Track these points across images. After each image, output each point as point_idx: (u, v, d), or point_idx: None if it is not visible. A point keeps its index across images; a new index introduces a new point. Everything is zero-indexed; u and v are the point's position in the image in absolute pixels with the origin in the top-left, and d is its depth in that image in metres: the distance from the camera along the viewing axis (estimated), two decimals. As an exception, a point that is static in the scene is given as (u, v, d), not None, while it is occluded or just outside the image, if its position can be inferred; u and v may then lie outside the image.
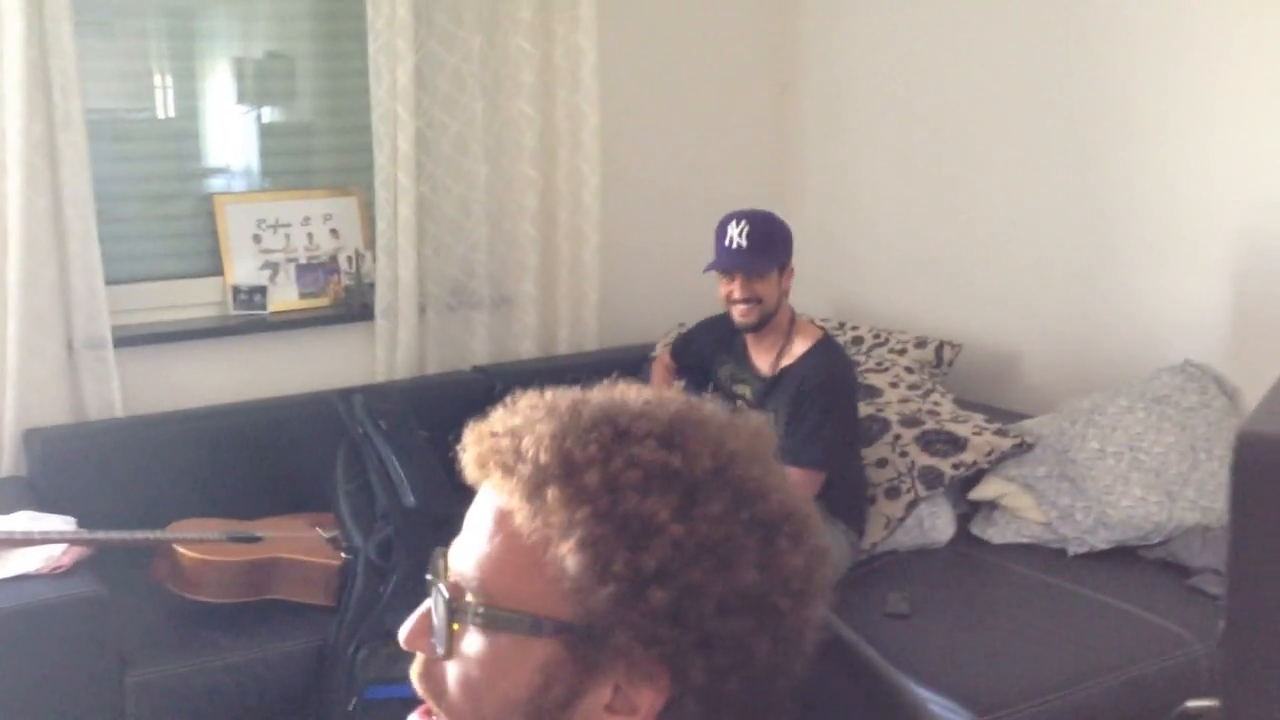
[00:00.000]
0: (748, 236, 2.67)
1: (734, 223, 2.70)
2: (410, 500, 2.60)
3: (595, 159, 3.39)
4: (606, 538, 0.71)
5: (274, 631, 2.50)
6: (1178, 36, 2.86)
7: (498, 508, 0.76)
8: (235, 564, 2.53)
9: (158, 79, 3.21)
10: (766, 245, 2.69)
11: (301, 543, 2.65)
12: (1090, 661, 2.35)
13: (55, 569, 2.32)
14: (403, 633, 0.79)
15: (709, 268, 2.74)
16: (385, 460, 2.68)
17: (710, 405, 0.80)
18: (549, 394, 0.80)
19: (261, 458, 2.95)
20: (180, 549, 2.49)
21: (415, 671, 0.80)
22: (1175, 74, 2.88)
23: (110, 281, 2.92)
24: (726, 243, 2.69)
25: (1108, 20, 2.99)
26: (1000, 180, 3.30)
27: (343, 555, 2.61)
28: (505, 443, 0.76)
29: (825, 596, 0.77)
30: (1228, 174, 2.81)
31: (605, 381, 0.82)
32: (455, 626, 0.75)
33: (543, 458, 0.73)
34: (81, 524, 2.54)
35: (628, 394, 0.79)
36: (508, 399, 0.81)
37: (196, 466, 2.89)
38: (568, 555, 0.72)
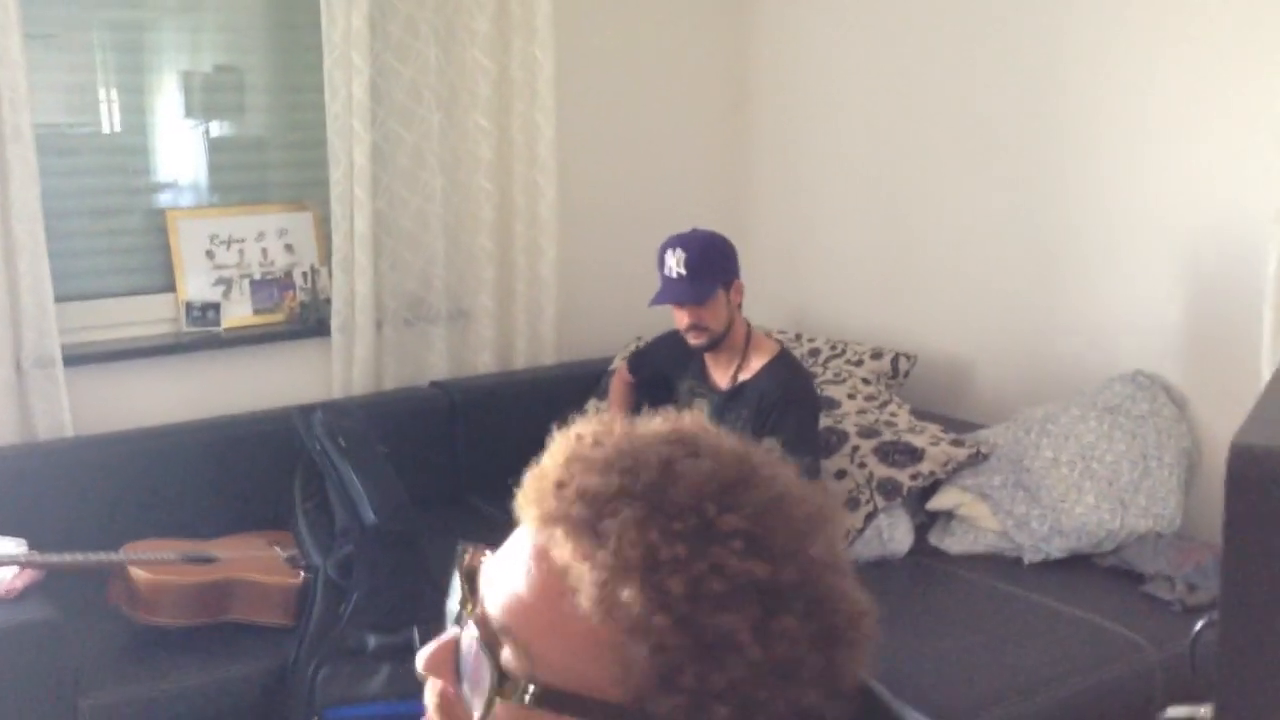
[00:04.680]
0: (686, 265, 2.67)
1: (671, 251, 2.70)
2: (370, 517, 2.57)
3: (551, 172, 3.39)
4: (680, 649, 0.67)
5: (232, 653, 2.46)
6: (1121, 52, 2.92)
7: (554, 569, 0.70)
8: (191, 585, 2.49)
9: (104, 93, 3.17)
10: (706, 269, 2.69)
11: (259, 562, 2.62)
12: (1048, 669, 2.38)
13: (6, 593, 2.28)
14: (421, 659, 0.74)
15: (653, 301, 2.74)
16: (344, 477, 2.65)
17: (789, 476, 0.74)
18: (622, 435, 0.73)
19: (217, 476, 2.91)
20: (135, 571, 2.45)
21: (431, 701, 0.74)
22: (1118, 89, 2.94)
23: (60, 299, 2.87)
24: (666, 272, 2.70)
25: (1056, 39, 3.05)
26: (953, 194, 3.34)
27: (301, 574, 2.58)
28: (579, 512, 0.69)
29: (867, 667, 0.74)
30: (1169, 188, 2.87)
31: (670, 411, 0.77)
32: (501, 699, 0.69)
33: (626, 550, 0.67)
34: (33, 546, 2.49)
35: (707, 467, 0.71)
36: (567, 424, 0.75)
37: (150, 486, 2.85)
38: (637, 658, 0.67)
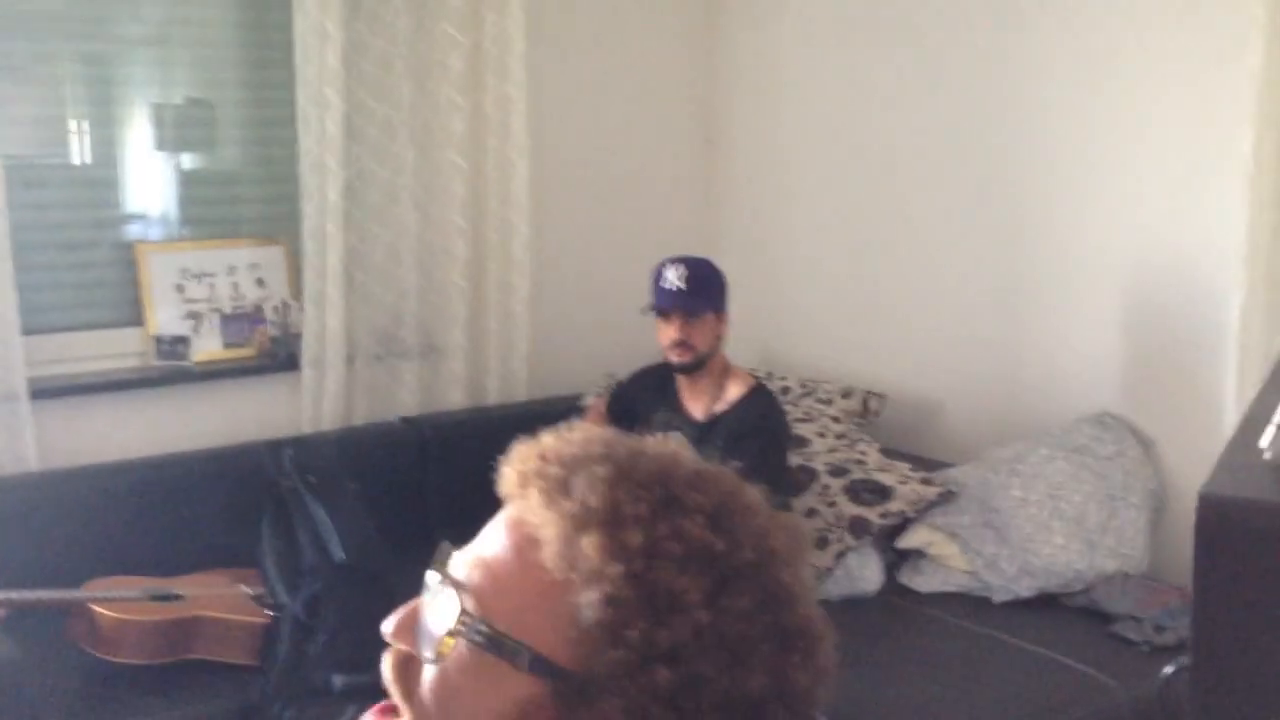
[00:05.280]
0: (685, 279, 2.71)
1: (671, 266, 2.74)
2: (340, 555, 2.56)
3: (525, 209, 3.39)
4: (631, 602, 0.69)
5: (197, 693, 2.43)
6: (1080, 91, 2.96)
7: (525, 532, 0.74)
8: (155, 623, 2.45)
9: (73, 124, 3.15)
10: (704, 288, 2.73)
11: (224, 600, 2.59)
12: (1017, 709, 2.38)
13: (-35, 632, 2.24)
14: (389, 624, 0.77)
15: (647, 308, 2.76)
16: (313, 514, 2.63)
17: (758, 493, 0.78)
18: (608, 432, 0.78)
19: (184, 512, 2.87)
20: (97, 608, 2.42)
21: (389, 664, 0.77)
22: (1077, 128, 2.98)
23: (28, 331, 2.84)
24: (664, 284, 2.72)
25: (1022, 86, 3.10)
26: (922, 234, 3.38)
27: (267, 613, 2.55)
28: (554, 471, 0.74)
29: None
30: (1131, 228, 2.92)
31: (659, 436, 0.81)
32: (451, 640, 0.73)
33: (592, 500, 0.72)
34: (-7, 582, 2.45)
35: (682, 457, 0.77)
36: (564, 425, 0.80)
37: (115, 522, 2.80)
38: (586, 606, 0.70)
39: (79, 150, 3.17)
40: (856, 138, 3.51)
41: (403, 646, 0.77)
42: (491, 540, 0.76)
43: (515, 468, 0.77)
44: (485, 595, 0.74)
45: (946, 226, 3.32)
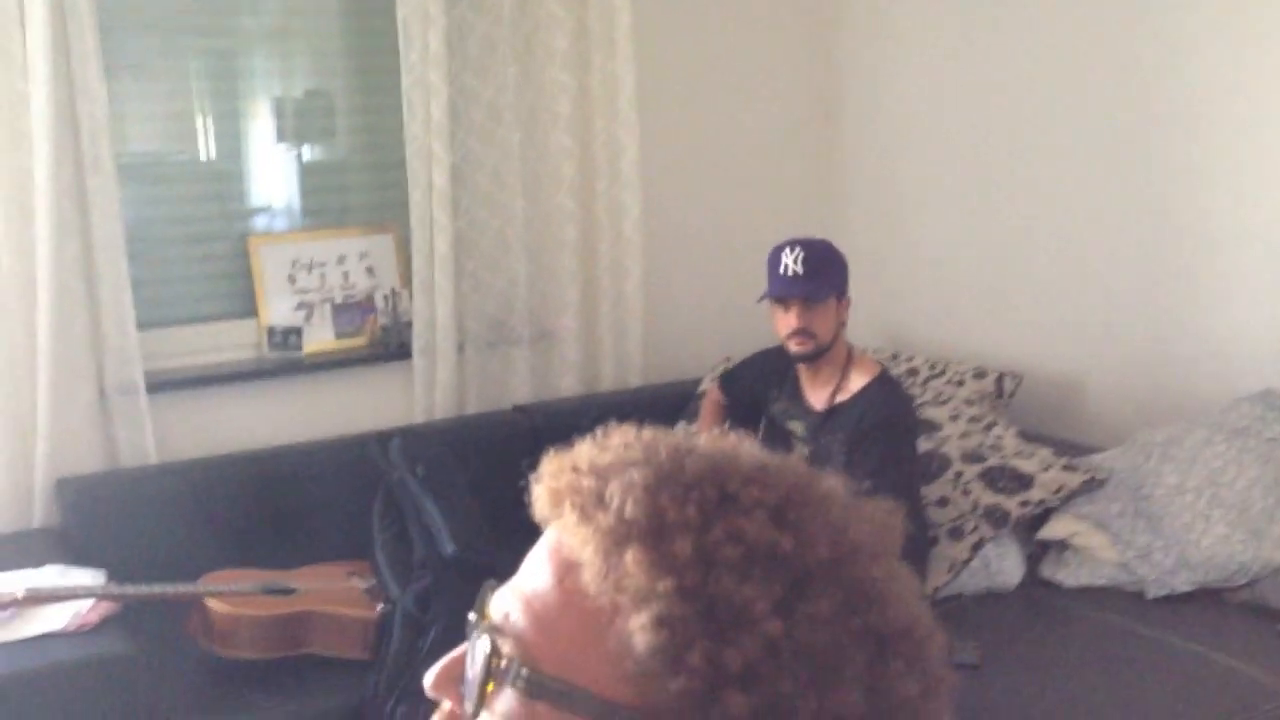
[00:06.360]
0: (803, 263, 2.55)
1: (788, 250, 2.59)
2: (449, 548, 2.49)
3: (635, 189, 3.30)
4: (688, 620, 0.59)
5: (309, 688, 2.40)
6: (1251, 46, 2.72)
7: (563, 557, 0.64)
8: (269, 618, 2.44)
9: (200, 120, 3.18)
10: (823, 272, 2.57)
11: (337, 594, 2.55)
12: (1173, 713, 2.22)
13: (81, 626, 2.24)
14: (429, 677, 0.69)
15: (763, 296, 2.62)
16: (422, 507, 2.58)
17: (835, 481, 0.67)
18: (649, 432, 0.68)
19: (297, 504, 2.86)
20: (212, 603, 2.41)
21: None
22: (1252, 85, 2.73)
23: (144, 326, 2.86)
24: (781, 270, 2.57)
25: (1174, 31, 2.85)
26: (1061, 200, 3.16)
27: (379, 607, 2.51)
28: (588, 483, 0.65)
29: None
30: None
31: (716, 430, 0.70)
32: (490, 687, 0.64)
33: (629, 510, 0.62)
34: (113, 576, 2.46)
35: (741, 450, 0.67)
36: (598, 430, 0.70)
37: (230, 514, 2.81)
38: (637, 631, 0.60)
39: (204, 145, 3.19)
40: (985, 105, 3.30)
41: (447, 702, 0.68)
42: (532, 572, 0.66)
43: (547, 484, 0.67)
44: (529, 635, 0.64)
45: (1086, 195, 3.09)
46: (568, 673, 0.62)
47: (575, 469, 0.66)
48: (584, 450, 0.67)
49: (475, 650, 0.65)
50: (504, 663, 0.63)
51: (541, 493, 0.67)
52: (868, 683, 0.60)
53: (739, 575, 0.60)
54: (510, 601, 0.66)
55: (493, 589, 0.68)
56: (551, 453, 0.68)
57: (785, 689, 0.59)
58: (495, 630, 0.64)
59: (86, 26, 2.68)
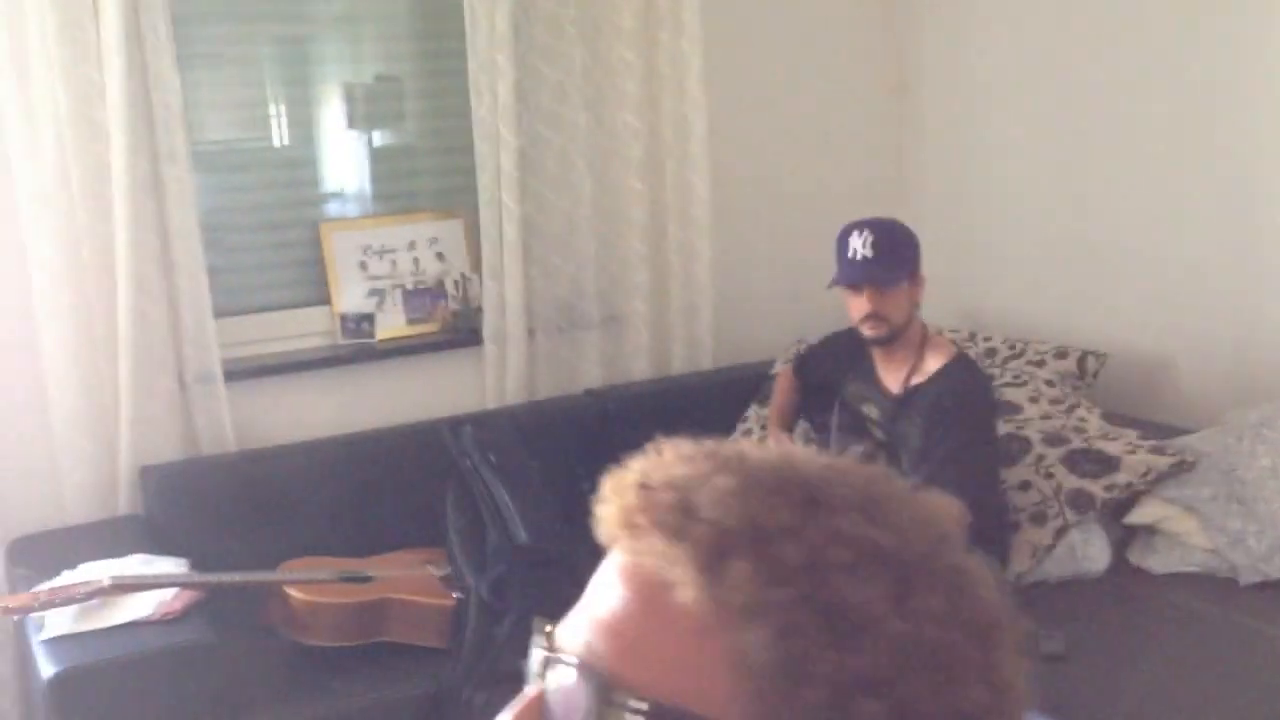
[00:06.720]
0: (873, 246, 2.49)
1: (856, 233, 2.52)
2: (522, 536, 2.49)
3: (704, 169, 3.26)
4: (810, 629, 0.56)
5: (387, 676, 2.42)
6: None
7: (647, 578, 0.60)
8: (346, 606, 2.45)
9: (272, 107, 3.20)
10: (894, 254, 2.51)
11: (413, 582, 2.56)
12: (1270, 705, 2.13)
13: (166, 614, 2.28)
14: None
15: (833, 283, 2.56)
16: (495, 494, 2.58)
17: (895, 474, 0.65)
18: (706, 443, 0.65)
19: (372, 491, 2.88)
20: (290, 591, 2.43)
21: None
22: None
23: (218, 314, 2.89)
24: (850, 255, 2.51)
25: (1268, 3, 2.73)
26: (1145, 171, 3.05)
27: (455, 595, 2.52)
28: (667, 497, 0.60)
29: None
30: None
31: (749, 433, 0.66)
32: None
33: (728, 519, 0.58)
34: (195, 564, 2.50)
35: (794, 453, 0.64)
36: (649, 448, 0.66)
37: (308, 500, 2.83)
38: (757, 647, 0.56)
39: (277, 132, 3.22)
40: (1065, 77, 3.20)
41: None
42: (605, 599, 0.61)
43: (615, 504, 0.62)
44: (626, 665, 0.59)
45: (1173, 161, 2.98)
46: (683, 699, 0.58)
47: (645, 485, 0.62)
48: (647, 466, 0.64)
49: (567, 691, 0.60)
50: (613, 696, 0.58)
51: (610, 513, 0.63)
52: (984, 675, 0.58)
53: (853, 577, 0.57)
54: (587, 633, 0.61)
55: (544, 625, 0.64)
56: (610, 474, 0.64)
57: (915, 690, 0.56)
58: (586, 666, 0.60)
59: (160, 18, 2.70)
